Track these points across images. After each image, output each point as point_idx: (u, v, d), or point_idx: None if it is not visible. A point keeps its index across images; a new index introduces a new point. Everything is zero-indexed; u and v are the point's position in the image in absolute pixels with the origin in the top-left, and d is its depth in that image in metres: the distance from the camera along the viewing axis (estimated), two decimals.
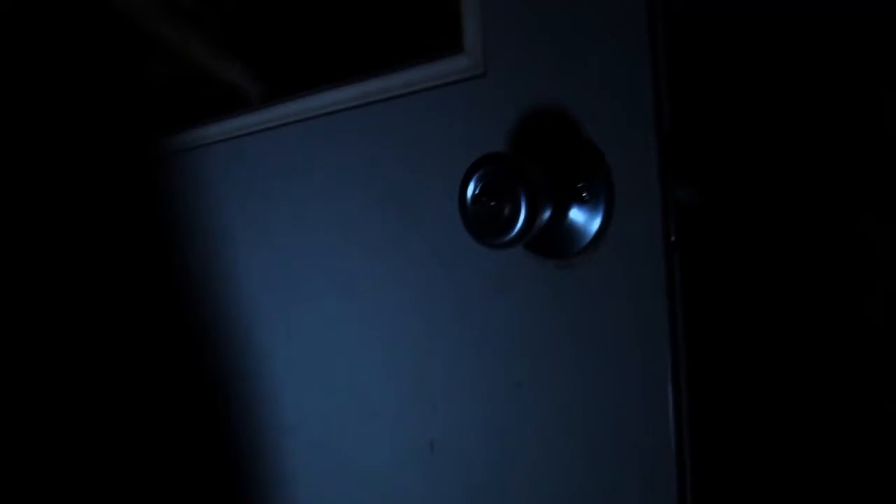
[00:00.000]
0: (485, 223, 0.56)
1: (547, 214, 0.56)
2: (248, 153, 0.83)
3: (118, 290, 0.97)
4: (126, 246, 0.96)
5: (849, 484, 0.90)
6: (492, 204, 0.55)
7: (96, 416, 0.95)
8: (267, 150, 0.81)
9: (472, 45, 0.66)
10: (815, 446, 0.90)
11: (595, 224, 0.59)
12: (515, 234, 0.54)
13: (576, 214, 0.60)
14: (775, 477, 0.91)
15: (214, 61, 0.67)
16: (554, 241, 0.61)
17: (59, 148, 0.89)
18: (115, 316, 0.97)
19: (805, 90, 0.87)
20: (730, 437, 0.91)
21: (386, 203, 0.72)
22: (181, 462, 0.94)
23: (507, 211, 0.54)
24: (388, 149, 0.72)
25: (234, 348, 0.86)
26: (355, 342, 0.76)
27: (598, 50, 0.59)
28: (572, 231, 0.60)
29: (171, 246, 0.91)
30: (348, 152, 0.75)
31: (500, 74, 0.65)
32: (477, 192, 0.56)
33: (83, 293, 0.96)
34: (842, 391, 0.89)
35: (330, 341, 0.78)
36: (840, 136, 0.86)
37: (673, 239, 0.59)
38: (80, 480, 0.93)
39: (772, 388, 0.90)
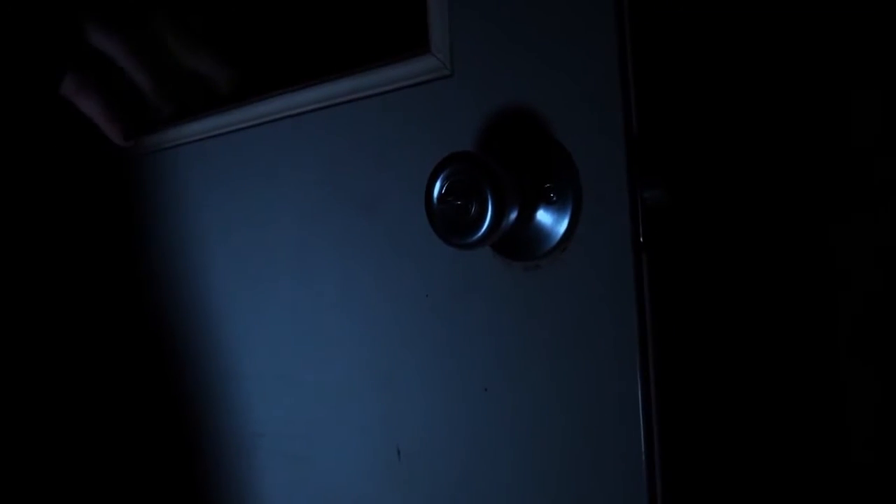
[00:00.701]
0: (451, 223, 0.55)
1: (514, 215, 0.56)
2: (214, 155, 0.81)
3: (77, 291, 0.95)
4: (89, 247, 0.94)
5: (813, 484, 0.90)
6: (458, 203, 0.54)
7: (47, 419, 0.93)
8: (234, 152, 0.80)
9: (439, 46, 0.65)
10: (783, 448, 0.90)
11: (563, 225, 0.59)
12: (482, 235, 0.53)
13: (543, 216, 0.59)
14: (745, 477, 0.91)
15: (183, 48, 0.66)
16: (521, 242, 0.60)
17: (16, 150, 0.87)
18: (75, 317, 0.95)
19: (775, 91, 0.87)
20: (701, 438, 0.91)
21: (353, 205, 0.71)
22: (140, 471, 0.91)
23: (473, 210, 0.53)
24: (356, 150, 0.71)
25: (199, 351, 0.84)
26: (323, 348, 0.75)
27: (565, 50, 0.59)
28: (540, 232, 0.60)
29: (137, 247, 0.89)
30: (315, 153, 0.74)
31: (467, 75, 0.64)
32: (443, 191, 0.55)
33: (39, 294, 0.94)
34: (809, 393, 0.89)
35: (296, 347, 0.77)
36: (808, 139, 0.87)
37: (641, 240, 0.58)
38: (31, 486, 0.91)
39: (741, 388, 0.90)
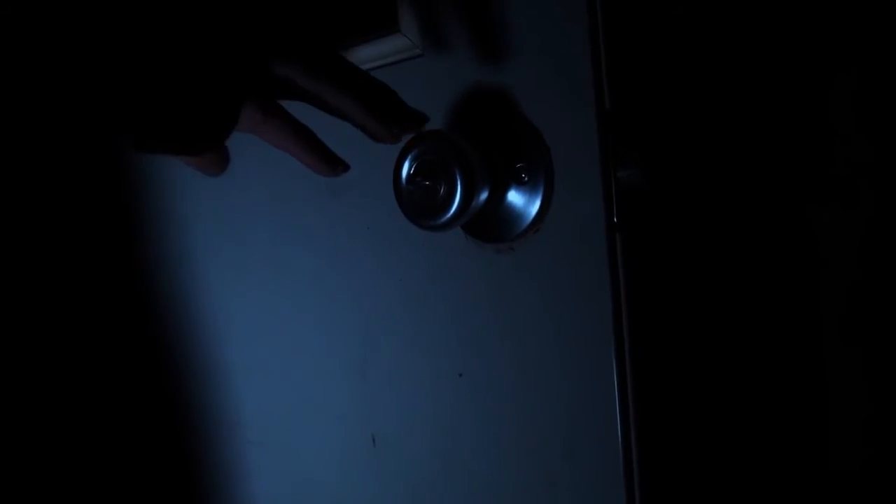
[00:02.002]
0: (420, 204, 0.53)
1: (484, 195, 0.54)
2: None
3: (56, 281, 0.93)
4: (69, 236, 0.92)
5: (789, 473, 0.90)
6: (426, 184, 0.52)
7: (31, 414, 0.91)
8: None
9: (409, 25, 0.64)
10: (758, 436, 0.90)
11: (535, 206, 0.57)
12: (451, 215, 0.52)
13: (515, 196, 0.58)
14: (724, 459, 0.91)
15: None
16: (493, 224, 0.59)
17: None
18: (52, 308, 0.93)
19: (757, 70, 0.86)
20: (676, 422, 0.91)
21: (322, 188, 0.69)
22: (119, 460, 0.90)
23: (442, 191, 0.52)
24: (325, 131, 0.69)
25: (177, 342, 0.83)
26: (296, 336, 0.74)
27: (535, 26, 0.58)
28: (512, 213, 0.58)
29: (124, 235, 0.87)
30: None
31: (437, 54, 0.63)
32: (412, 172, 0.54)
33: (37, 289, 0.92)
34: (788, 378, 0.89)
35: (269, 334, 0.76)
36: (789, 120, 0.86)
37: (615, 220, 0.57)
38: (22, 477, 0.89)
39: (720, 369, 0.90)
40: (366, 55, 0.67)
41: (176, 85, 0.42)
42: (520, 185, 0.58)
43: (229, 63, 0.44)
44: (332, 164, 0.50)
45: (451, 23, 0.62)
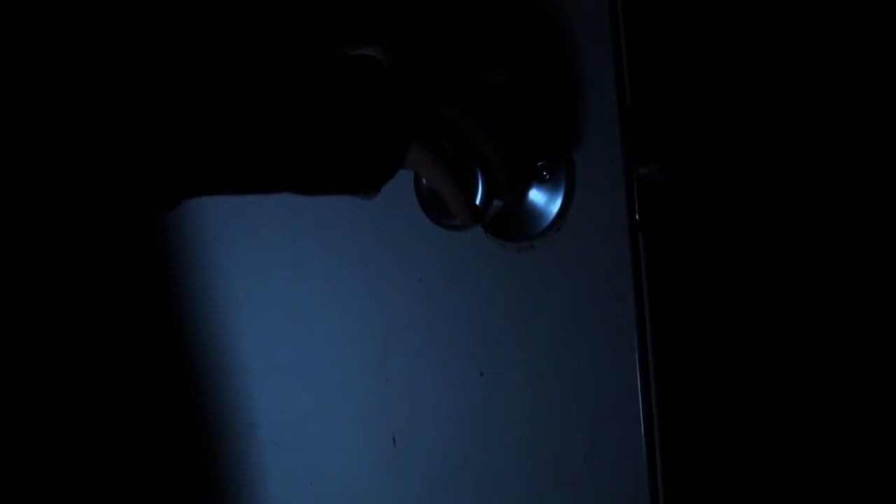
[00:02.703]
0: (441, 204, 0.53)
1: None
2: None
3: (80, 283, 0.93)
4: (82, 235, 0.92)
5: (812, 472, 0.89)
6: None
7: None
8: None
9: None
10: (778, 433, 0.89)
11: (556, 204, 0.57)
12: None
13: (536, 195, 0.58)
14: (744, 464, 0.90)
15: None
16: (514, 222, 0.59)
17: None
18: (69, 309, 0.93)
19: (774, 66, 0.86)
20: (700, 423, 0.90)
21: None
22: (135, 460, 0.90)
23: None
24: None
25: (195, 344, 0.83)
26: (315, 337, 0.74)
27: (557, 23, 0.57)
28: (533, 212, 0.58)
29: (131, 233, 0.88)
30: None
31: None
32: None
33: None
34: (808, 372, 0.88)
35: (289, 337, 0.75)
36: (803, 113, 0.86)
37: (637, 218, 0.57)
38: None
39: (742, 369, 0.89)
40: None
41: (353, 135, 0.44)
42: (541, 183, 0.57)
43: (399, 109, 0.46)
44: (475, 213, 0.51)
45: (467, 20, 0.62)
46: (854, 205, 0.85)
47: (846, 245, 0.85)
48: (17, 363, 0.88)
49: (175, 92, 0.35)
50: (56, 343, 0.91)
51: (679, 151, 0.87)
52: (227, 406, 0.81)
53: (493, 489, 0.63)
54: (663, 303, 0.60)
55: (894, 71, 0.82)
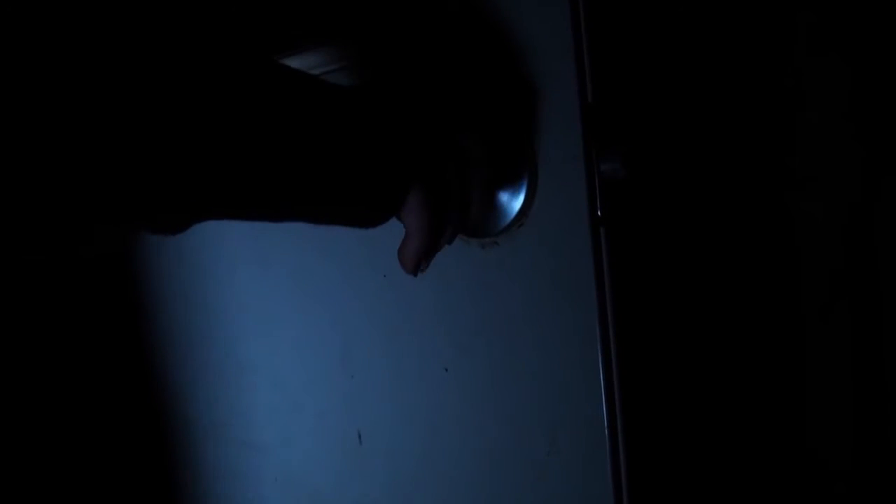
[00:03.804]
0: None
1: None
2: None
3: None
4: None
5: (775, 466, 0.91)
6: None
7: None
8: None
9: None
10: (742, 428, 0.91)
11: (518, 200, 0.57)
12: None
13: (499, 193, 0.58)
14: (705, 455, 0.92)
15: None
16: (478, 220, 0.59)
17: None
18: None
19: (732, 59, 0.87)
20: (662, 414, 0.91)
21: None
22: (103, 459, 0.89)
23: None
24: None
25: (161, 342, 0.82)
26: (278, 335, 0.73)
27: (518, 20, 0.57)
28: (496, 209, 0.58)
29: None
30: None
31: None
32: None
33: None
34: (772, 370, 0.90)
35: (252, 335, 0.75)
36: (762, 105, 0.87)
37: (599, 214, 0.57)
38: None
39: (701, 363, 0.91)
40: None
41: (364, 170, 0.44)
42: (504, 181, 0.58)
43: (407, 149, 0.46)
44: (415, 268, 0.50)
45: (429, 21, 0.61)
46: (820, 203, 0.86)
47: (809, 238, 0.87)
48: None
49: (199, 116, 0.35)
50: (39, 343, 0.89)
51: (641, 148, 0.87)
52: (196, 404, 0.80)
53: (458, 484, 0.63)
54: (626, 298, 0.60)
55: (862, 64, 0.83)
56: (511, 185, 0.57)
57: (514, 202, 0.57)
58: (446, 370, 0.63)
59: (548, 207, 0.57)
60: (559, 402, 0.58)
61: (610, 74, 0.60)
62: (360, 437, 0.68)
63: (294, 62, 0.62)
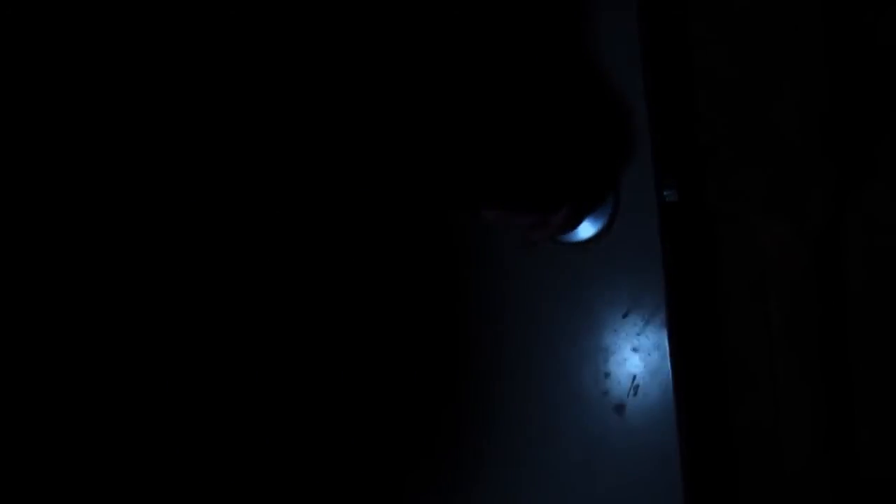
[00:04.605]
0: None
1: None
2: None
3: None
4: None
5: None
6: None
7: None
8: None
9: None
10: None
11: (605, 216, 0.82)
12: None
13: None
14: None
15: None
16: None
17: None
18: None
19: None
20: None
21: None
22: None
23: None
24: None
25: None
26: None
27: (607, 95, 0.82)
28: (588, 223, 0.83)
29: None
30: None
31: None
32: None
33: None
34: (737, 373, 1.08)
35: None
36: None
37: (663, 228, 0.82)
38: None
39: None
40: None
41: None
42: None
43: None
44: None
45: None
46: (783, 217, 0.87)
47: (777, 260, 0.88)
48: None
49: None
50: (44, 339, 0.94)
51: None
52: None
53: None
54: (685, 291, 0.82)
55: (823, 85, 0.84)
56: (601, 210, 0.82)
57: (603, 216, 0.82)
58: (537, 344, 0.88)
59: (626, 224, 0.82)
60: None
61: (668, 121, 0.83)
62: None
63: None
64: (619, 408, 0.83)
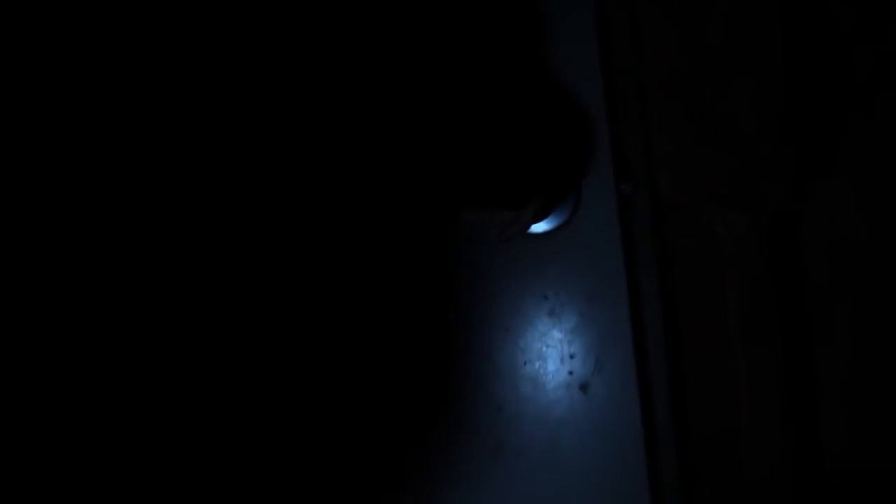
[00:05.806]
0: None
1: None
2: None
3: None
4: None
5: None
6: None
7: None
8: None
9: None
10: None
11: (570, 206, 0.87)
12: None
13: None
14: None
15: None
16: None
17: None
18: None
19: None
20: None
21: None
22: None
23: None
24: None
25: None
26: None
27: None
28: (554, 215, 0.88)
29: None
30: None
31: None
32: None
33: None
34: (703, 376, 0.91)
35: None
36: None
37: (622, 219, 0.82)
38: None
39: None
40: None
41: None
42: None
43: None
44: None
45: None
46: (740, 208, 0.84)
47: (734, 251, 0.85)
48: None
49: None
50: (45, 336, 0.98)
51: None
52: None
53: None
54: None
55: (780, 74, 0.80)
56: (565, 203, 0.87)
57: (568, 207, 0.87)
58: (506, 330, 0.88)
59: (588, 214, 0.87)
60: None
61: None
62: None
63: None
64: (584, 386, 0.88)
